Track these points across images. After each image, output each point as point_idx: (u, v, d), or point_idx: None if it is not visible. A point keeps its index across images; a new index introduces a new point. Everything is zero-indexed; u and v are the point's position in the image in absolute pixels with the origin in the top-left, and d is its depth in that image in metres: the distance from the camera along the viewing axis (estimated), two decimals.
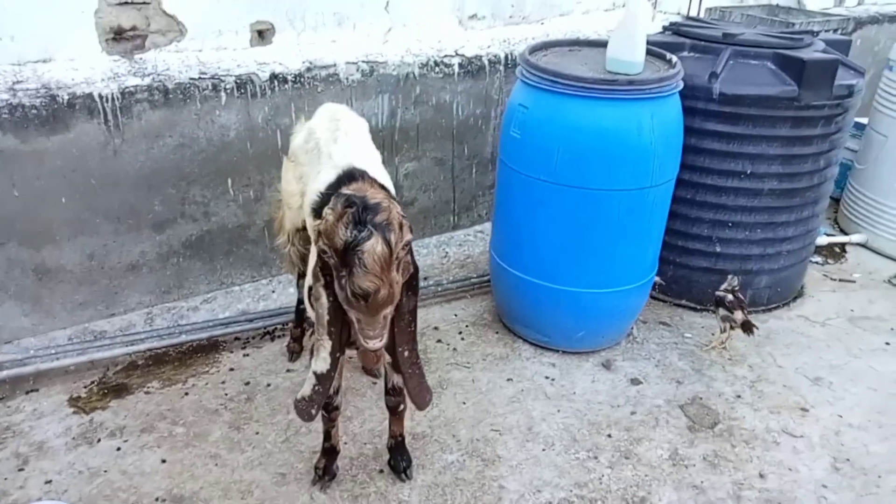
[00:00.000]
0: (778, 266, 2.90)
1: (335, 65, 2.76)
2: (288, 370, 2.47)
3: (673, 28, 2.91)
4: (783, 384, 2.52)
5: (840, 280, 3.29)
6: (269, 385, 2.38)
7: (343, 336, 1.55)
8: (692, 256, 2.85)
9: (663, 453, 2.17)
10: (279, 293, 2.88)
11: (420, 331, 2.62)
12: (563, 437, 2.21)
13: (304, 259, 2.27)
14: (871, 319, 2.97)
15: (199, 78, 2.46)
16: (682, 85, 2.29)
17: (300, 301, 2.46)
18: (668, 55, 2.39)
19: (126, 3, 2.32)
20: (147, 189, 2.47)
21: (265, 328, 2.66)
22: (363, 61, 2.83)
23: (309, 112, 2.67)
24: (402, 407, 1.94)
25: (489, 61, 3.18)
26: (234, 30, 2.56)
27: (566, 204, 2.28)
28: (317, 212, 1.61)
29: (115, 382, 2.36)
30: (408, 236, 1.37)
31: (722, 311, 2.61)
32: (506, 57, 3.23)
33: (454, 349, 2.60)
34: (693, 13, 3.90)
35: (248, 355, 2.55)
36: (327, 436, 1.93)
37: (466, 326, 2.76)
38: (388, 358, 1.66)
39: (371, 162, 1.82)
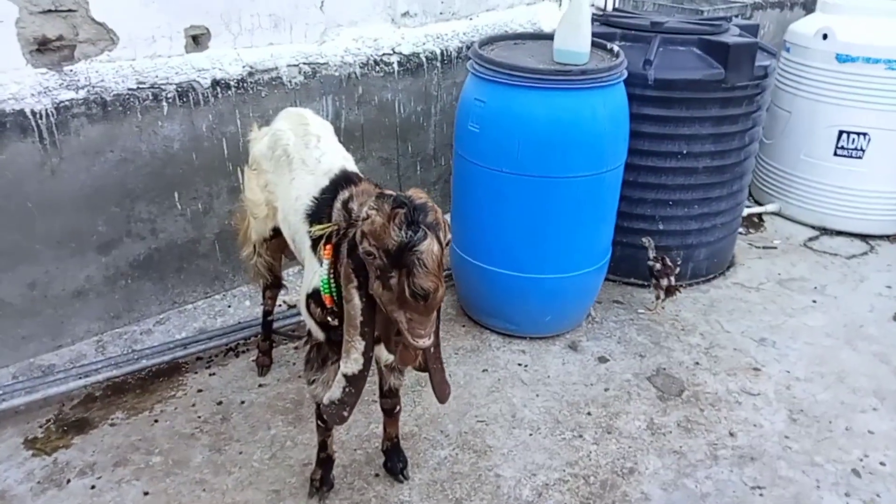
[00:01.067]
0: (714, 238, 3.10)
1: (277, 68, 2.69)
2: (260, 385, 2.40)
3: (602, 18, 3.03)
4: (733, 348, 2.71)
5: (764, 248, 3.56)
6: (243, 402, 2.30)
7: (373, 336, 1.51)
8: (637, 235, 2.99)
9: (641, 424, 2.28)
10: (235, 307, 2.78)
11: None
12: (546, 420, 2.28)
13: (271, 269, 2.21)
14: (797, 280, 3.24)
15: (138, 88, 2.33)
16: (626, 73, 2.40)
17: (267, 313, 2.39)
18: (609, 45, 2.50)
19: (50, 10, 2.16)
20: (89, 209, 2.32)
21: (228, 344, 2.56)
22: (304, 63, 2.77)
23: (255, 117, 2.61)
24: (397, 408, 1.93)
25: (426, 58, 3.19)
26: (168, 36, 2.44)
27: (528, 193, 2.34)
28: (312, 217, 1.58)
29: (75, 418, 2.20)
30: (449, 235, 1.38)
31: (653, 280, 2.79)
32: (441, 53, 3.26)
33: None
34: (608, 4, 4.08)
35: (214, 374, 2.45)
36: (323, 445, 1.89)
37: None
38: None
39: (350, 164, 1.80)
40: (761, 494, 2.02)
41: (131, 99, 2.31)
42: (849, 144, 3.52)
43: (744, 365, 2.61)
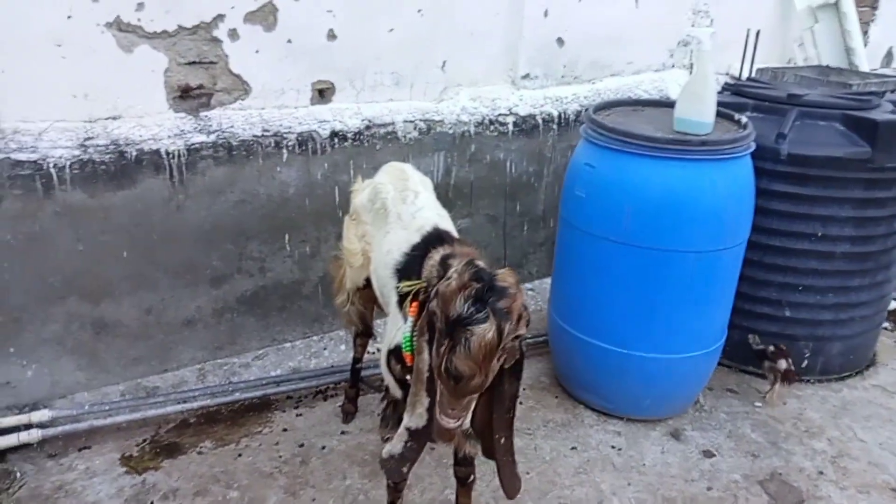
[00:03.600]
0: (851, 332, 2.76)
1: (393, 123, 2.77)
2: (342, 432, 2.39)
3: (733, 88, 2.88)
4: (868, 461, 2.35)
5: None
6: (323, 448, 2.30)
7: None
8: (759, 321, 2.73)
9: None
10: (331, 350, 2.82)
11: None
12: None
13: (363, 318, 2.22)
14: None
15: (262, 135, 2.48)
16: (753, 146, 2.23)
17: (356, 360, 2.40)
18: (737, 116, 2.35)
19: (195, 62, 2.37)
20: (206, 244, 2.46)
21: (318, 387, 2.59)
22: (420, 119, 2.84)
23: (367, 169, 2.69)
24: (471, 478, 1.84)
25: (542, 119, 3.17)
26: (296, 89, 2.59)
27: (634, 264, 2.21)
28: (401, 272, 1.56)
29: (168, 441, 2.29)
30: (522, 330, 1.30)
31: (767, 363, 2.54)
32: (559, 115, 3.23)
33: None
34: (744, 73, 3.89)
35: (301, 415, 2.47)
36: None
37: (524, 389, 2.65)
38: (467, 430, 1.56)
39: (446, 221, 1.78)
40: None
41: (255, 145, 2.46)
42: None
43: (880, 483, 2.25)
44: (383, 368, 1.62)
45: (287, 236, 2.64)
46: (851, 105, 2.57)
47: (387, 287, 1.70)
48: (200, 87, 2.40)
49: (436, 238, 1.57)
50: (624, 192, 2.15)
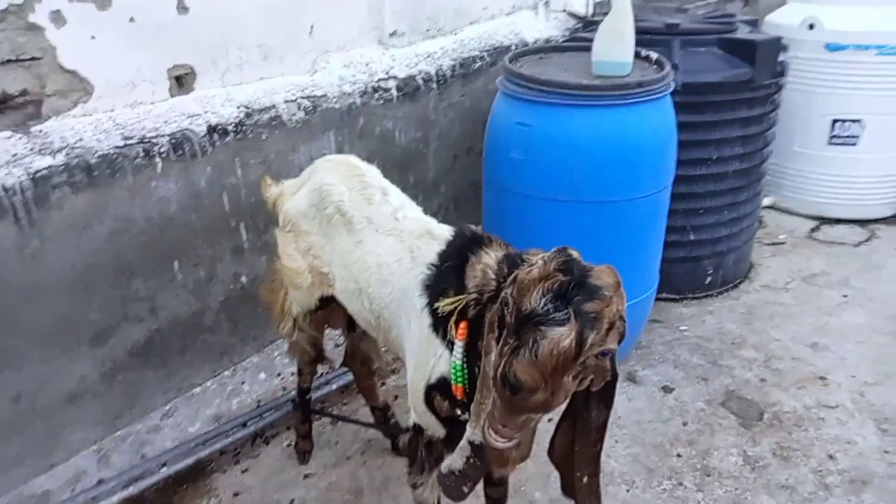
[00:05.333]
0: (741, 243, 2.99)
1: (274, 106, 2.35)
2: (306, 476, 2.06)
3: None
4: (791, 357, 2.58)
5: (773, 244, 3.49)
6: (293, 501, 1.96)
7: None
8: (669, 248, 2.81)
9: (736, 460, 2.10)
10: (250, 383, 2.42)
11: (405, 389, 2.33)
12: (637, 470, 2.06)
13: (315, 344, 1.89)
14: (819, 276, 3.17)
15: (126, 145, 1.95)
16: (674, 82, 2.22)
17: (306, 391, 2.06)
18: (643, 51, 2.31)
19: (10, 61, 1.76)
20: (80, 294, 1.91)
21: (255, 432, 2.20)
22: (302, 97, 2.45)
23: (256, 164, 2.28)
24: (504, 501, 1.65)
25: (423, 80, 2.93)
26: (150, 79, 2.07)
27: (583, 221, 2.12)
28: (432, 289, 1.28)
29: None
30: (612, 345, 1.05)
31: None
32: (436, 73, 3.00)
33: None
34: (581, 10, 3.94)
35: (246, 470, 2.09)
36: None
37: None
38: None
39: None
40: None
41: (119, 158, 1.93)
42: (843, 132, 3.51)
43: (808, 375, 2.48)
44: (419, 406, 1.35)
45: (176, 263, 2.15)
46: (723, 29, 2.68)
47: (390, 309, 1.41)
48: (24, 92, 1.80)
49: (472, 240, 1.30)
50: (571, 148, 2.03)
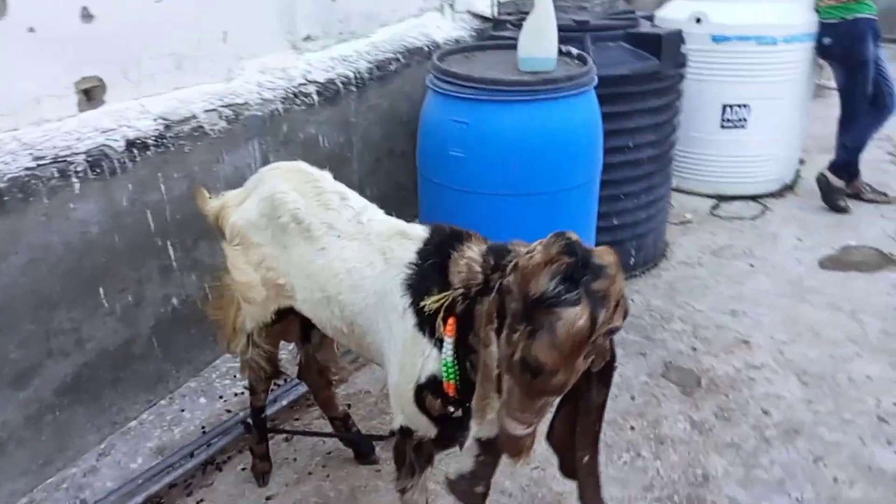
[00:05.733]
0: (657, 223, 3.17)
1: (195, 116, 2.24)
2: (268, 497, 1.97)
3: (519, 23, 2.94)
4: (715, 325, 2.77)
5: (681, 223, 3.72)
6: None
7: None
8: (597, 234, 2.95)
9: (685, 425, 2.22)
10: (190, 409, 2.28)
11: (357, 396, 2.30)
12: None
13: (272, 360, 1.81)
14: (725, 249, 3.42)
15: (38, 166, 1.79)
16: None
17: (261, 410, 1.97)
18: (566, 48, 2.40)
19: None
20: None
21: (207, 459, 2.08)
22: (222, 105, 2.35)
23: (179, 178, 2.17)
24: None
25: (342, 83, 2.88)
26: (56, 94, 1.92)
27: (526, 212, 2.17)
28: (414, 288, 1.26)
29: None
30: (619, 322, 1.08)
31: None
32: (354, 76, 2.97)
33: None
34: (486, 10, 4.03)
35: (202, 501, 1.97)
36: None
37: None
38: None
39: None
40: (826, 465, 2.05)
41: (31, 181, 1.77)
42: (733, 117, 3.80)
43: (733, 340, 2.67)
44: (409, 408, 1.32)
45: (101, 290, 2.00)
46: (629, 25, 2.83)
47: (365, 315, 1.38)
48: None
49: (452, 236, 1.29)
50: (508, 143, 2.07)
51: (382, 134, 3.15)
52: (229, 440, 2.13)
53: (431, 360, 1.25)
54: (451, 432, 1.31)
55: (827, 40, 3.61)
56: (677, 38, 2.76)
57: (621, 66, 2.67)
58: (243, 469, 2.06)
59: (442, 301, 1.21)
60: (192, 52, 2.30)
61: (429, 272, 1.27)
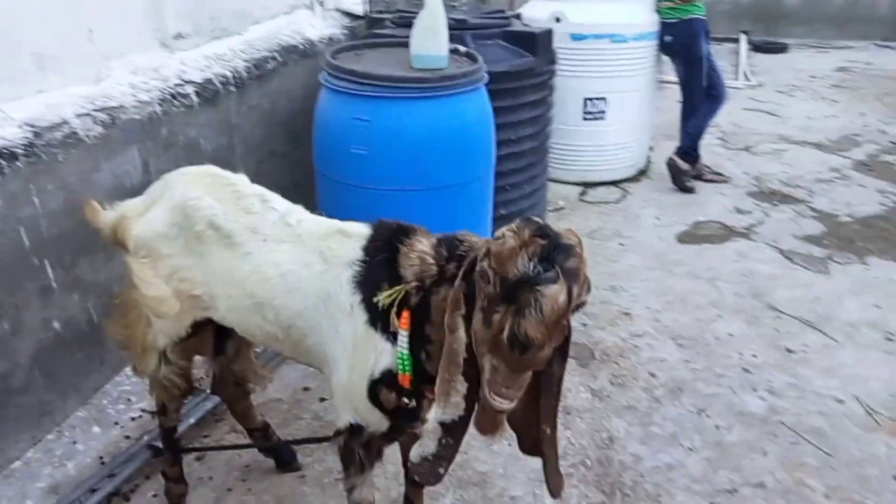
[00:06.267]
0: (538, 212, 3.36)
1: (66, 122, 2.05)
2: None
3: (399, 21, 2.99)
4: (599, 301, 3.00)
5: (555, 210, 3.98)
6: None
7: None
8: None
9: (586, 395, 2.40)
10: (83, 441, 2.10)
11: (269, 405, 2.26)
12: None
13: (186, 376, 1.73)
14: (598, 231, 3.71)
15: None
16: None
17: (173, 430, 1.86)
18: (454, 46, 2.48)
19: None
20: None
21: (113, 491, 1.93)
22: (95, 109, 2.17)
23: (55, 189, 1.99)
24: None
25: (221, 83, 2.76)
26: None
27: (431, 206, 2.23)
28: (364, 285, 1.26)
29: None
30: (585, 297, 1.14)
31: None
32: (233, 76, 2.85)
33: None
34: (356, 9, 4.02)
35: None
36: None
37: None
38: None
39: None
40: (708, 416, 2.31)
41: None
42: (593, 109, 4.11)
43: (616, 313, 2.92)
44: (362, 405, 1.31)
45: None
46: (504, 24, 2.98)
47: (306, 315, 1.35)
48: None
49: (398, 231, 1.30)
50: (410, 139, 2.12)
51: (263, 135, 3.06)
52: (134, 468, 1.99)
53: (385, 354, 1.27)
54: (401, 425, 1.34)
55: (668, 38, 4.01)
56: (549, 36, 2.95)
57: (501, 63, 2.80)
58: (154, 496, 1.94)
59: (395, 295, 1.23)
60: (57, 52, 2.11)
61: (378, 268, 1.28)
